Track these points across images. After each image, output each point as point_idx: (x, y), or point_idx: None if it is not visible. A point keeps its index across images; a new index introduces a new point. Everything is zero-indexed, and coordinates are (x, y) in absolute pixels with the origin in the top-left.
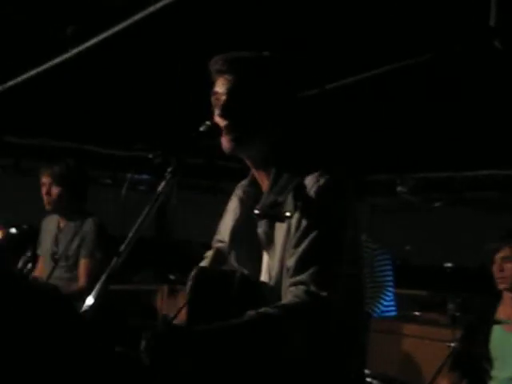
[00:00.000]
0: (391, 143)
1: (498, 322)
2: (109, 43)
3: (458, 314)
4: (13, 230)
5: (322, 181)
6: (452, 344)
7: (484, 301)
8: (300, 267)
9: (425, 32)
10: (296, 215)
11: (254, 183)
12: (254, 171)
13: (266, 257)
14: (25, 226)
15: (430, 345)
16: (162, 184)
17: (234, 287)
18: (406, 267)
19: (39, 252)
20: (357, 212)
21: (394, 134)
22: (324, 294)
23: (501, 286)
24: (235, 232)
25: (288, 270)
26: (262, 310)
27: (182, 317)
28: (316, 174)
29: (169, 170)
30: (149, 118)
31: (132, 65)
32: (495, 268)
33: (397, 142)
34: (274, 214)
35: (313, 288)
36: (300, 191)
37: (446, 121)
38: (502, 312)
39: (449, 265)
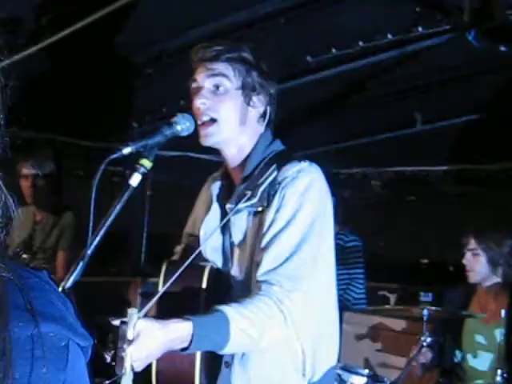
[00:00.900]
0: (365, 137)
1: (470, 316)
2: (83, 33)
3: (430, 307)
4: None
5: (295, 175)
6: (424, 338)
7: (456, 294)
8: (272, 263)
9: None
10: (268, 210)
11: (227, 176)
12: (227, 164)
13: (237, 250)
14: None
15: (402, 338)
16: (135, 176)
17: (204, 279)
18: (379, 261)
19: (9, 243)
20: (331, 206)
21: (368, 128)
22: (296, 288)
23: (470, 280)
24: (207, 225)
25: (257, 264)
26: (234, 306)
27: (151, 310)
28: (288, 169)
29: (141, 162)
30: (123, 110)
31: (110, 53)
32: (464, 261)
33: (371, 137)
34: (246, 209)
35: (285, 283)
36: (273, 186)
37: (420, 114)
38: (476, 304)
39: (424, 261)
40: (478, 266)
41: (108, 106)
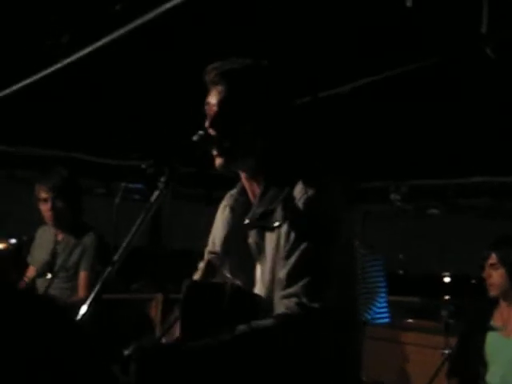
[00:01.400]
0: (385, 151)
1: (492, 329)
2: (103, 52)
3: (451, 320)
4: (13, 241)
5: (310, 191)
6: (446, 351)
7: (478, 307)
8: (291, 279)
9: (417, 40)
10: (285, 226)
11: (244, 192)
12: (244, 180)
13: (258, 267)
14: (24, 237)
15: (424, 352)
16: (156, 193)
17: (225, 299)
18: (400, 275)
19: (29, 261)
20: (350, 220)
21: (388, 141)
22: (315, 305)
23: (491, 293)
24: (227, 242)
25: (279, 281)
26: (253, 323)
27: (175, 331)
28: (304, 184)
29: (162, 179)
30: (142, 127)
31: (126, 73)
32: (485, 275)
33: (390, 150)
34: (263, 225)
35: (304, 300)
36: (289, 202)
37: (439, 128)
38: (497, 318)
39: (446, 273)
40: (498, 279)
41: (129, 123)
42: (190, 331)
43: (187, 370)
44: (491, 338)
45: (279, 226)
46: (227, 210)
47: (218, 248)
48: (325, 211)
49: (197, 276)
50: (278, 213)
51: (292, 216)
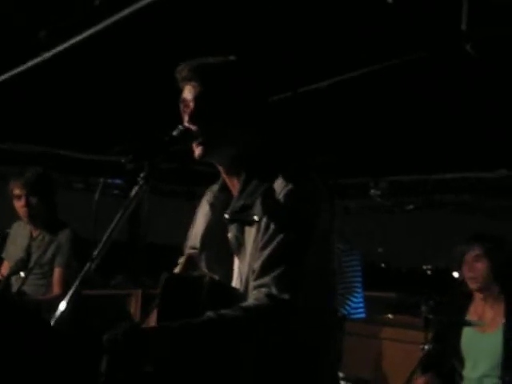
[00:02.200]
0: (364, 146)
1: (469, 324)
2: (83, 47)
3: (430, 316)
4: None
5: (290, 185)
6: (425, 346)
7: (454, 302)
8: (263, 270)
9: (396, 36)
10: (264, 219)
11: (225, 188)
12: (224, 176)
13: (236, 261)
14: (7, 231)
15: (403, 347)
16: (135, 189)
17: (203, 292)
18: (381, 269)
19: (4, 256)
20: (330, 215)
21: (367, 137)
22: (285, 296)
23: (472, 286)
24: (206, 237)
25: (253, 272)
26: (221, 312)
27: (151, 322)
28: (284, 178)
29: (141, 175)
30: (122, 122)
31: (103, 68)
32: (466, 268)
33: (369, 146)
34: (243, 219)
35: (274, 291)
36: (268, 196)
37: (418, 124)
38: (473, 313)
39: (425, 268)
40: (482, 271)
41: (106, 118)
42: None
43: (155, 350)
44: (467, 333)
45: (259, 220)
46: (207, 205)
47: (197, 243)
48: (304, 205)
49: (176, 271)
50: (257, 207)
51: (272, 209)
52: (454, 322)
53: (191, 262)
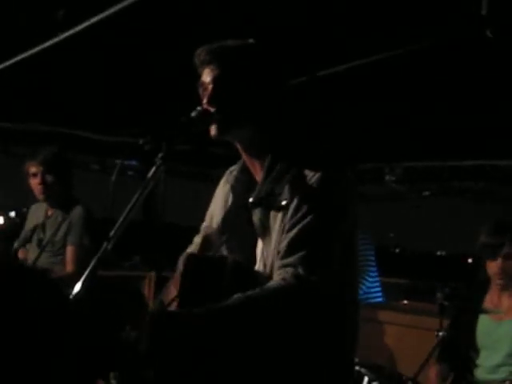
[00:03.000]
0: (379, 132)
1: (485, 312)
2: (99, 28)
3: (446, 303)
4: (12, 214)
5: (323, 171)
6: (440, 333)
7: (471, 290)
8: (290, 250)
9: (416, 21)
10: (294, 202)
11: (246, 170)
12: (245, 158)
13: (260, 245)
14: (24, 209)
15: (418, 333)
16: (152, 170)
17: (226, 273)
18: (394, 255)
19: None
20: (357, 203)
21: (382, 122)
22: (312, 277)
23: (499, 282)
24: (227, 220)
25: (279, 252)
26: (249, 292)
27: (173, 304)
28: (316, 164)
29: (159, 156)
30: (138, 103)
31: (121, 50)
32: (497, 265)
33: (385, 131)
34: (270, 204)
35: (301, 271)
36: (299, 181)
37: (434, 110)
38: (489, 301)
39: (441, 253)
40: (511, 270)
41: (123, 98)
42: (188, 305)
43: (189, 333)
44: (483, 322)
45: (287, 205)
46: (227, 187)
47: (215, 225)
48: (337, 191)
49: (191, 250)
50: (286, 192)
51: (303, 193)
52: (469, 310)
53: (208, 242)
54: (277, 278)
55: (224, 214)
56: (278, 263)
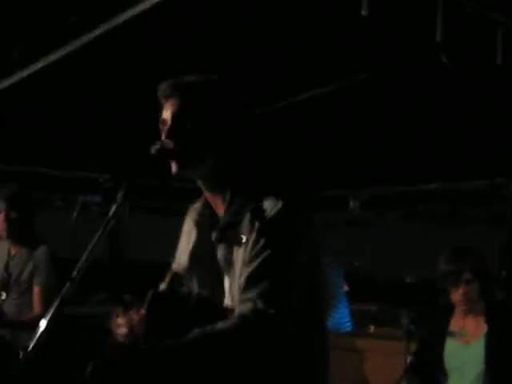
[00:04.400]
0: (342, 159)
1: (451, 335)
2: (59, 63)
3: (412, 327)
4: None
5: (280, 203)
6: (408, 358)
7: (436, 314)
8: (249, 284)
9: (373, 48)
10: (253, 236)
11: (208, 206)
12: (206, 193)
13: (227, 280)
14: None
15: (386, 359)
16: (113, 208)
17: (191, 310)
18: (360, 282)
19: None
20: (316, 232)
21: (345, 149)
22: (271, 311)
23: (462, 308)
24: (194, 255)
25: (239, 287)
26: (208, 327)
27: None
28: (274, 197)
29: (120, 193)
30: (101, 138)
31: (81, 86)
32: (459, 291)
33: (348, 158)
34: (231, 239)
35: (260, 305)
36: (258, 214)
37: (397, 135)
38: (454, 324)
39: (408, 280)
40: (474, 294)
41: (84, 134)
42: (152, 341)
43: (145, 369)
44: (450, 345)
45: (247, 240)
46: (192, 223)
47: (183, 261)
48: (294, 223)
49: (162, 287)
50: (245, 225)
51: (261, 226)
52: (435, 334)
53: (176, 279)
54: (237, 312)
55: (191, 250)
56: (238, 297)
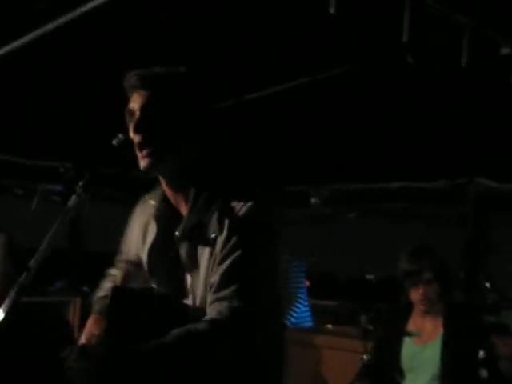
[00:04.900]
0: (304, 154)
1: (409, 334)
2: (22, 51)
3: (369, 326)
4: None
5: (250, 202)
6: (364, 356)
7: (395, 313)
8: (223, 283)
9: (339, 47)
10: (223, 235)
11: (167, 201)
12: (167, 189)
13: (189, 277)
14: None
15: (342, 357)
16: (73, 197)
17: (153, 305)
18: (320, 279)
19: None
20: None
21: (307, 145)
22: (246, 309)
23: (421, 308)
24: (153, 251)
25: (211, 286)
26: (188, 327)
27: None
28: (243, 195)
29: (80, 183)
30: (61, 127)
31: (42, 74)
32: (418, 291)
33: (309, 154)
34: (198, 237)
35: (236, 303)
36: (227, 212)
37: (358, 133)
38: (412, 324)
39: (369, 277)
40: (434, 294)
41: (47, 121)
42: (115, 337)
43: (127, 371)
44: (407, 345)
45: (215, 238)
46: (144, 218)
47: (133, 254)
48: (265, 220)
49: (108, 282)
50: (213, 224)
51: (231, 225)
52: (393, 333)
53: (129, 276)
54: (211, 311)
55: (150, 247)
56: (211, 297)
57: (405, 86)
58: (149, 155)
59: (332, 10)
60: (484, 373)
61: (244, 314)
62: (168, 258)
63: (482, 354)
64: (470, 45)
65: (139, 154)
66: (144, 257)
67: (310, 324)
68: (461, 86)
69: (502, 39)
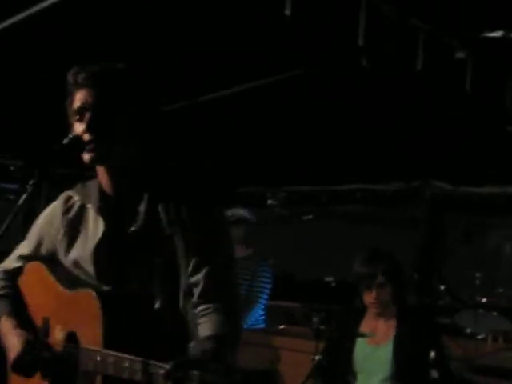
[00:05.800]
0: (261, 156)
1: (361, 336)
2: None
3: (321, 327)
4: None
5: (196, 200)
6: (316, 357)
7: (347, 314)
8: (210, 294)
9: (296, 49)
10: (178, 236)
11: (107, 198)
12: (110, 185)
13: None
14: None
15: (295, 357)
16: (24, 196)
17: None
18: (277, 280)
19: None
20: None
21: (264, 147)
22: (234, 303)
23: (374, 310)
24: (100, 248)
25: (190, 286)
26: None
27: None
28: (188, 191)
29: (31, 182)
30: (13, 125)
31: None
32: (371, 294)
33: (267, 156)
34: (151, 232)
35: (227, 308)
36: (172, 208)
37: (316, 136)
38: (365, 325)
39: (328, 279)
40: (387, 297)
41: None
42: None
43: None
44: (360, 346)
45: (171, 235)
46: (72, 214)
47: (49, 249)
48: (220, 219)
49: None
50: (164, 219)
51: (184, 226)
52: (345, 334)
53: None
54: (210, 319)
55: (97, 243)
56: (201, 306)
57: (360, 88)
58: (95, 149)
59: (288, 12)
60: (435, 373)
61: (235, 308)
62: (113, 253)
63: (433, 354)
64: (425, 49)
65: (86, 151)
66: (84, 253)
67: (262, 325)
68: (416, 90)
69: (456, 43)
